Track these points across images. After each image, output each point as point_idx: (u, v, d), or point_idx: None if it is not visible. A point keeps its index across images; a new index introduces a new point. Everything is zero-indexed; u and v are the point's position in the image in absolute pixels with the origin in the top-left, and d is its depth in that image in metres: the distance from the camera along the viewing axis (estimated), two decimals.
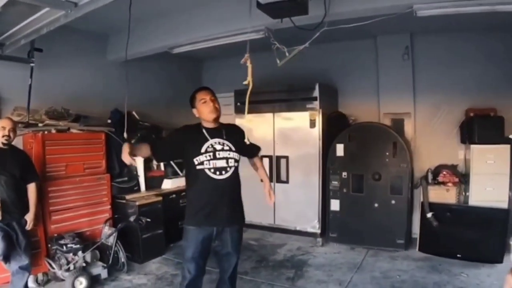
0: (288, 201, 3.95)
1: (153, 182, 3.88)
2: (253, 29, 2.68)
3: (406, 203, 3.54)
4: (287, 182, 4.00)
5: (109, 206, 3.37)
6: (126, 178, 3.63)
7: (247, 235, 4.08)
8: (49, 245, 2.91)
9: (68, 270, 2.74)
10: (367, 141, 3.66)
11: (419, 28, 3.72)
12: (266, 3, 2.08)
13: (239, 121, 4.03)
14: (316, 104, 3.80)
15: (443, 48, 3.85)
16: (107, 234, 3.14)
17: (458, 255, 3.27)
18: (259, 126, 4.05)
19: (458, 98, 3.76)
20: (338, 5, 2.44)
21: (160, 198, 3.60)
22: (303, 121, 3.84)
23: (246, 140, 2.15)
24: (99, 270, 2.94)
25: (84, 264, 2.83)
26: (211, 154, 1.88)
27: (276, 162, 4.05)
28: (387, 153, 3.56)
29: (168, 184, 3.95)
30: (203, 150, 1.87)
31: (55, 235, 2.93)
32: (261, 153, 4.29)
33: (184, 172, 3.38)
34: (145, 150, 1.89)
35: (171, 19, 3.36)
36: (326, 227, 3.86)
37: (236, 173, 1.96)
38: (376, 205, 3.62)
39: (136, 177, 3.74)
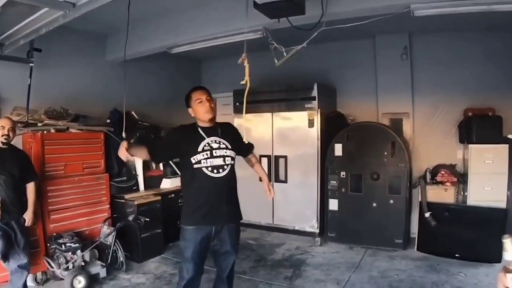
0: (287, 200, 3.96)
1: (152, 182, 3.89)
2: (251, 29, 2.69)
3: (405, 203, 3.55)
4: (285, 181, 4.01)
5: (108, 206, 3.39)
6: (125, 178, 3.64)
7: (246, 234, 4.09)
8: (48, 244, 2.92)
9: (67, 269, 2.75)
10: (366, 141, 3.67)
11: (418, 28, 3.72)
12: (263, 3, 2.09)
13: (238, 121, 4.06)
14: (315, 104, 3.80)
15: (442, 48, 3.85)
16: (106, 233, 3.15)
17: (456, 255, 3.28)
18: (257, 126, 4.07)
19: (457, 98, 3.76)
20: (335, 5, 2.45)
21: (158, 198, 3.61)
22: (302, 121, 3.85)
23: (244, 140, 2.17)
24: (98, 269, 2.95)
25: (83, 263, 2.84)
26: (208, 152, 1.89)
27: (275, 161, 4.06)
28: (386, 153, 3.57)
29: (167, 184, 3.97)
30: (200, 149, 1.88)
31: (54, 234, 2.94)
32: (260, 152, 4.31)
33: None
34: (143, 152, 1.91)
35: (169, 19, 3.38)
36: (325, 226, 3.87)
37: (232, 171, 1.97)
38: (374, 204, 3.62)
39: (135, 176, 3.75)
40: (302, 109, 3.85)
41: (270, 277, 3.04)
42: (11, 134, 2.49)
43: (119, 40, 3.17)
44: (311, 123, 3.80)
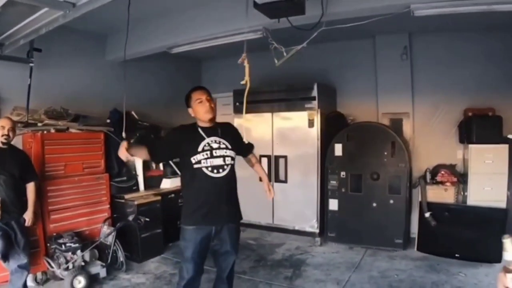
0: (287, 200, 3.96)
1: (152, 182, 3.90)
2: (251, 29, 2.69)
3: (405, 203, 3.55)
4: (285, 181, 4.01)
5: (108, 206, 3.39)
6: (125, 178, 3.64)
7: (246, 234, 4.09)
8: (48, 244, 2.92)
9: (67, 269, 2.75)
10: (366, 141, 3.67)
11: (418, 28, 3.73)
12: (263, 3, 2.09)
13: (238, 121, 4.06)
14: (315, 104, 3.80)
15: (442, 48, 3.85)
16: (106, 233, 3.15)
17: (456, 255, 3.28)
18: (258, 126, 4.07)
19: (457, 98, 3.76)
20: (335, 5, 2.45)
21: (159, 198, 3.61)
22: (302, 120, 3.85)
23: (244, 140, 2.17)
24: (98, 269, 2.95)
25: (83, 263, 2.84)
26: (208, 152, 1.89)
27: (275, 161, 4.06)
28: (386, 153, 3.57)
29: (167, 184, 3.97)
30: (200, 149, 1.88)
31: (54, 234, 2.94)
32: (260, 152, 4.30)
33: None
34: (143, 152, 1.91)
35: (169, 19, 3.38)
36: (325, 226, 3.87)
37: (232, 171, 1.97)
38: (374, 204, 3.62)
39: (135, 176, 3.75)
40: (302, 109, 3.84)
41: (270, 277, 3.04)
42: (11, 134, 2.50)
43: (119, 40, 3.17)
44: (311, 123, 3.80)
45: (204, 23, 3.18)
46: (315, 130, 3.80)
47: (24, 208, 2.55)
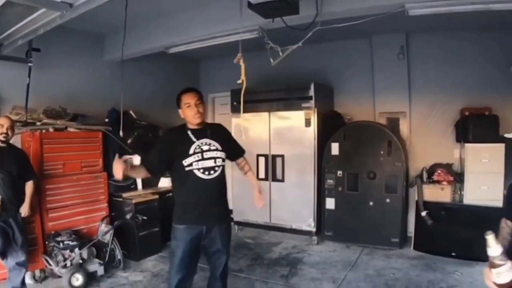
0: (284, 199, 3.98)
1: (149, 181, 3.89)
2: (246, 29, 2.71)
3: (401, 202, 3.56)
4: (282, 181, 4.02)
5: (106, 204, 3.41)
6: None
7: (244, 233, 4.12)
8: (46, 242, 2.95)
9: (65, 266, 2.78)
10: (362, 140, 3.68)
11: (414, 27, 3.73)
12: (257, 3, 2.11)
13: (236, 120, 4.09)
14: (312, 103, 3.81)
15: (439, 47, 3.86)
16: (104, 231, 3.18)
17: (452, 254, 3.29)
18: (255, 125, 4.08)
19: (453, 97, 3.77)
20: (329, 4, 2.46)
21: (156, 197, 3.64)
22: (299, 120, 3.87)
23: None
24: (96, 267, 2.97)
25: (80, 261, 2.87)
26: (199, 154, 1.89)
27: (272, 161, 4.07)
28: (382, 152, 3.58)
29: (164, 183, 3.98)
30: (191, 151, 1.89)
31: (52, 232, 2.97)
32: (257, 152, 4.30)
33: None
34: (142, 172, 1.96)
35: (167, 19, 3.40)
36: (322, 225, 3.88)
37: (223, 173, 1.97)
38: (371, 203, 3.63)
39: None
40: (299, 108, 3.86)
41: (267, 275, 3.06)
42: (9, 133, 2.52)
43: (117, 40, 3.19)
44: (308, 123, 3.82)
45: (201, 23, 3.19)
46: (312, 130, 3.81)
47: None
